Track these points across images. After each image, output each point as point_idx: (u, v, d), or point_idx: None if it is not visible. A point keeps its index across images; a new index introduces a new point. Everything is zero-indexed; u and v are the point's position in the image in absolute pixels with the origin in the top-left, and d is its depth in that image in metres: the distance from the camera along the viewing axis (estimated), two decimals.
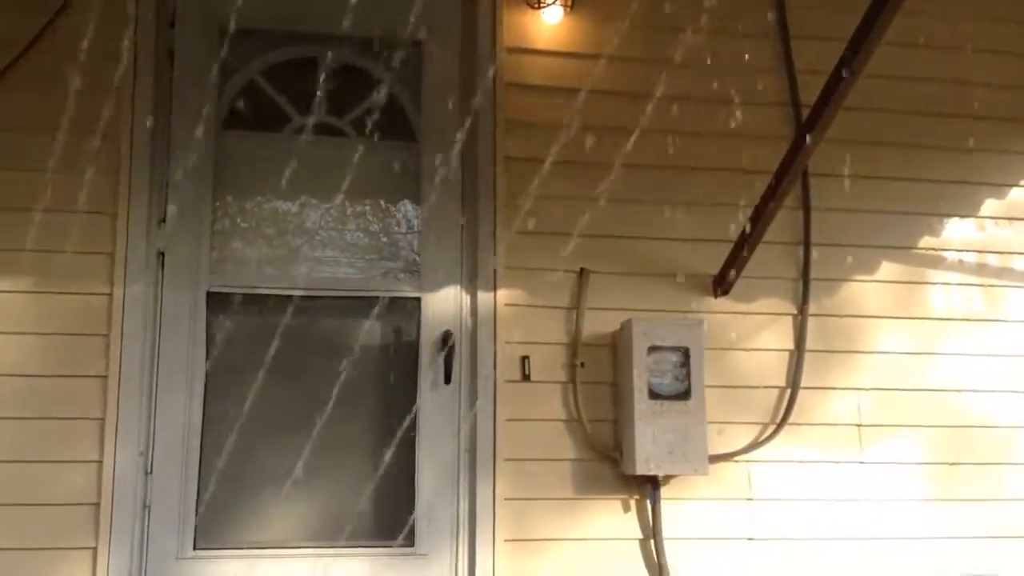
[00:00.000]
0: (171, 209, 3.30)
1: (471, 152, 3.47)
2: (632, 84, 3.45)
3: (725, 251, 3.42)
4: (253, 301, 3.28)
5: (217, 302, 3.29)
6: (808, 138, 3.05)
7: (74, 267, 3.15)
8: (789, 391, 3.47)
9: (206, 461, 3.20)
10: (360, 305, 3.40)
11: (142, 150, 3.26)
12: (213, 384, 3.24)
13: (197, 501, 3.18)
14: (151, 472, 3.15)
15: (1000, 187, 3.75)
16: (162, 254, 3.27)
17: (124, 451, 3.08)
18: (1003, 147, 3.76)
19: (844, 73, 2.85)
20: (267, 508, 3.25)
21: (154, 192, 3.27)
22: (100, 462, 3.06)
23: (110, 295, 3.15)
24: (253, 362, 3.17)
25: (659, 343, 3.27)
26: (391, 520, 3.26)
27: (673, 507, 3.31)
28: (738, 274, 3.42)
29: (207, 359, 3.25)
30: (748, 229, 3.31)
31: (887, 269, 3.63)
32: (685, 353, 3.27)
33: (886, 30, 2.79)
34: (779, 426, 3.43)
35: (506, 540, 3.23)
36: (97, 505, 3.04)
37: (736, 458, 3.39)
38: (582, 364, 3.36)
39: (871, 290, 3.61)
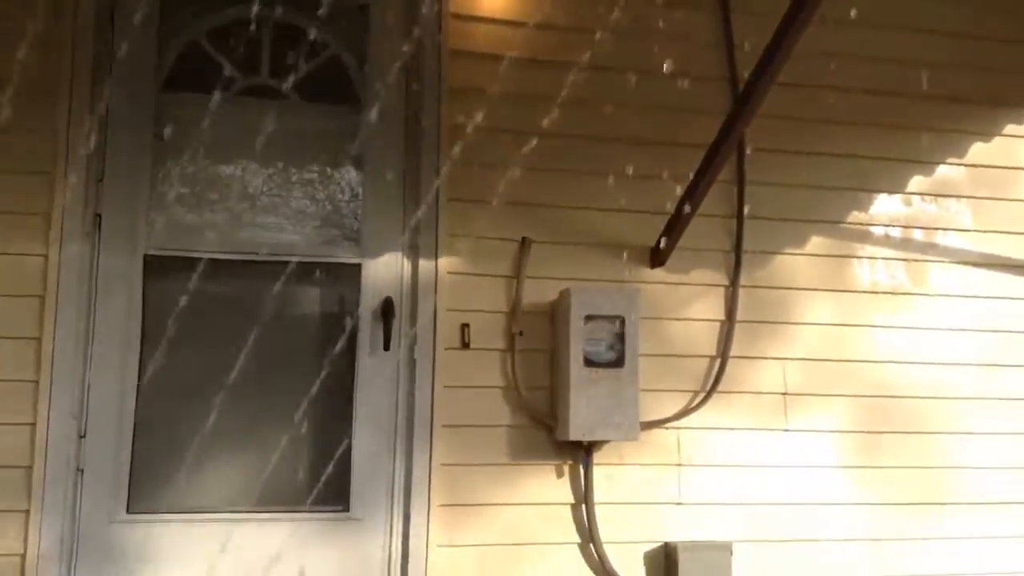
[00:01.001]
0: (109, 170, 3.26)
1: (415, 118, 3.48)
2: (576, 54, 3.43)
3: (661, 223, 3.48)
4: (191, 265, 3.24)
5: (155, 266, 3.27)
6: (744, 110, 3.12)
7: (9, 227, 3.11)
8: (719, 360, 3.56)
9: (140, 425, 3.20)
10: (300, 271, 3.37)
11: (80, 109, 3.21)
12: (149, 348, 3.22)
13: (131, 465, 3.17)
14: (84, 435, 3.13)
15: (927, 164, 3.86)
16: (99, 216, 3.24)
17: (57, 414, 3.07)
18: (931, 126, 3.86)
19: (783, 39, 2.90)
20: (202, 472, 3.25)
21: (93, 153, 3.23)
22: (33, 424, 3.04)
23: (46, 256, 3.12)
24: (190, 327, 3.16)
25: (595, 312, 3.33)
26: (327, 485, 3.27)
27: (605, 472, 3.39)
28: (673, 245, 3.49)
29: (143, 323, 3.24)
30: (684, 202, 3.37)
31: (816, 243, 3.73)
32: (621, 322, 3.34)
33: (819, 6, 2.84)
34: (708, 394, 3.53)
35: (441, 505, 3.28)
36: (30, 468, 3.03)
37: (667, 425, 3.48)
38: (520, 332, 3.41)
39: (801, 263, 3.70)
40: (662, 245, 3.49)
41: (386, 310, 3.36)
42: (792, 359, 3.63)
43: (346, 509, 3.30)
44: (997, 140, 3.94)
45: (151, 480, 3.20)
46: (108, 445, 3.15)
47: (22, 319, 3.08)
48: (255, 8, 3.43)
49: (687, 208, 3.36)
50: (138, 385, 3.21)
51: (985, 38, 3.91)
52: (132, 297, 3.24)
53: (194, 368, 3.23)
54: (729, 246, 3.64)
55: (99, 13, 3.30)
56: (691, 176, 3.34)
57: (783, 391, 3.60)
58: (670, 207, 3.44)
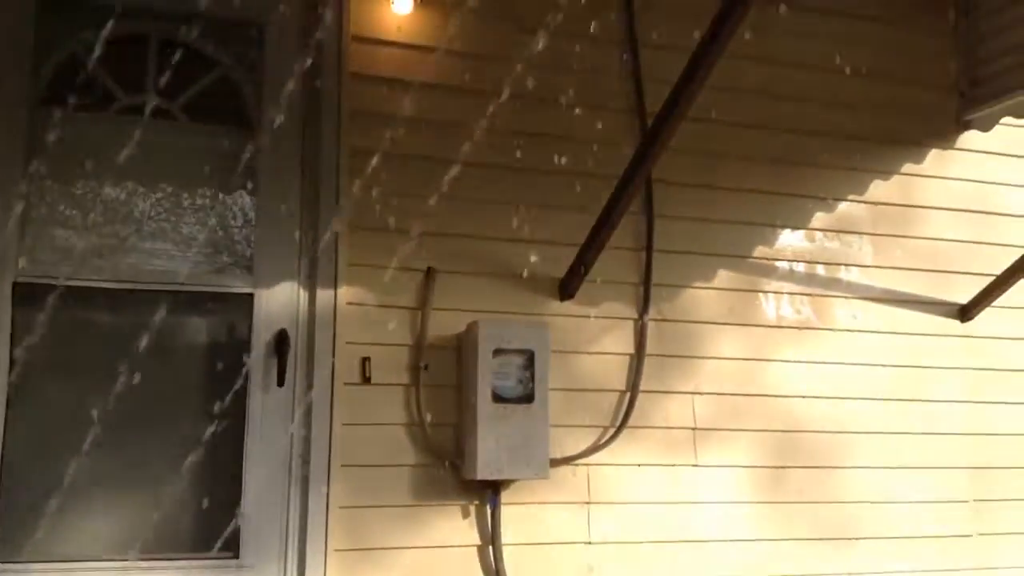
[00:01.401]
0: None
1: (313, 143, 3.33)
2: (481, 81, 3.39)
3: (571, 255, 3.41)
4: (68, 294, 3.01)
5: (26, 294, 3.00)
6: (653, 144, 3.08)
7: None
8: (628, 395, 3.49)
9: (9, 467, 2.92)
10: (188, 300, 3.18)
11: None
12: (18, 384, 2.95)
13: None
14: None
15: (828, 201, 3.90)
16: None
17: None
18: (834, 163, 3.91)
19: (692, 75, 2.88)
20: (78, 518, 2.99)
21: None
22: None
23: None
24: (65, 360, 2.92)
25: (504, 345, 3.21)
26: (215, 530, 3.05)
27: (513, 512, 3.26)
28: (583, 278, 3.41)
29: (11, 355, 2.96)
30: (593, 234, 3.30)
31: (724, 277, 3.71)
32: (530, 356, 3.24)
33: (728, 43, 2.83)
34: (618, 429, 3.45)
35: (338, 549, 3.09)
36: None
37: (576, 462, 3.38)
38: (426, 366, 3.27)
39: (709, 296, 3.68)
40: (572, 278, 3.40)
41: (280, 343, 3.17)
42: (701, 393, 3.58)
43: (236, 556, 3.07)
44: (896, 178, 4.01)
45: (21, 527, 2.91)
46: None
47: None
48: (145, 24, 3.26)
49: (596, 241, 3.30)
50: (4, 422, 2.92)
51: (885, 77, 4.00)
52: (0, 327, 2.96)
53: (69, 405, 2.98)
54: (638, 279, 3.59)
55: None
56: (600, 208, 3.28)
57: (692, 426, 3.55)
58: (579, 239, 3.36)
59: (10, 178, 3.05)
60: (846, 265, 3.88)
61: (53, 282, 3.01)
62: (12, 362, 2.95)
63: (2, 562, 2.88)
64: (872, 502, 3.71)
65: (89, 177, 3.17)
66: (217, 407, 3.08)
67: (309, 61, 3.34)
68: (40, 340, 2.89)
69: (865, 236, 3.93)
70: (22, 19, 3.10)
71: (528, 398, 3.21)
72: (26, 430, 2.92)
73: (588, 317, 3.50)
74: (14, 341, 2.97)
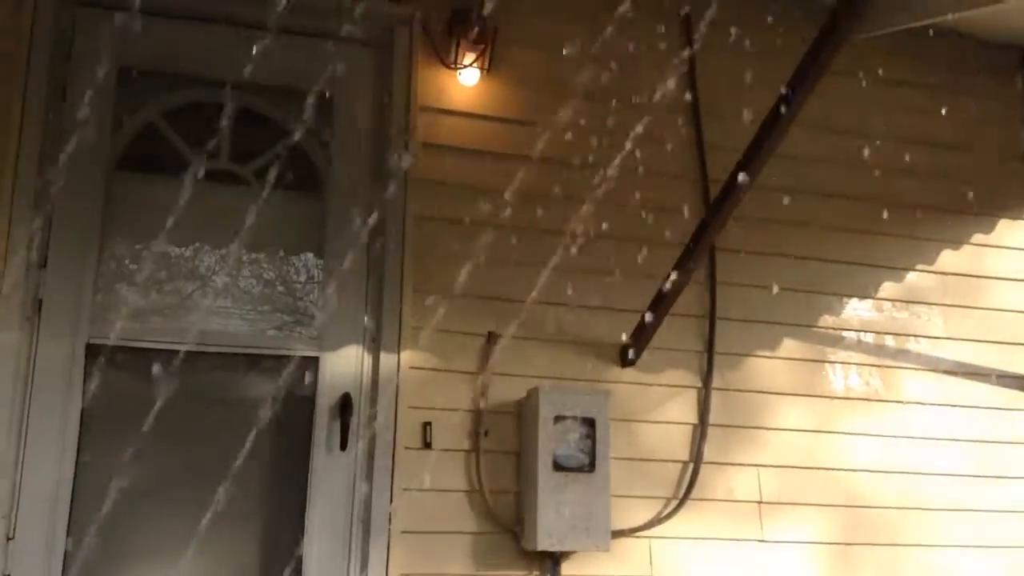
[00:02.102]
0: (53, 253, 3.08)
1: (380, 209, 3.37)
2: (545, 150, 3.40)
3: (632, 321, 3.39)
4: (138, 356, 3.07)
5: (98, 355, 3.06)
6: (719, 213, 3.07)
7: None
8: (692, 465, 3.43)
9: (75, 528, 2.95)
10: (254, 363, 3.22)
11: (26, 188, 3.04)
12: (87, 445, 3.00)
13: (63, 570, 2.91)
14: (13, 537, 2.88)
15: (898, 270, 3.85)
16: (40, 301, 3.04)
17: None
18: (902, 232, 3.86)
19: (760, 144, 2.87)
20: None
21: (36, 234, 3.05)
22: None
23: None
24: (133, 422, 2.95)
25: (565, 413, 3.19)
26: None
27: None
28: (645, 345, 3.39)
29: (82, 417, 3.02)
30: (656, 302, 3.28)
31: (788, 346, 3.66)
32: (591, 424, 3.20)
33: (797, 112, 2.82)
34: (681, 501, 3.38)
35: None
36: None
37: (638, 534, 3.32)
38: (486, 432, 3.25)
39: (773, 366, 3.62)
40: (634, 345, 3.38)
41: (344, 406, 3.19)
42: (767, 466, 3.51)
43: None
44: (966, 248, 3.95)
45: None
46: (38, 548, 2.89)
47: None
48: (218, 93, 3.35)
49: (659, 308, 3.28)
50: (73, 484, 2.97)
51: (951, 145, 3.96)
52: (71, 388, 3.02)
53: (135, 466, 3.00)
54: (701, 347, 3.55)
55: (50, 88, 3.15)
56: (662, 275, 3.26)
57: (758, 499, 3.47)
58: (640, 305, 3.34)
59: (88, 242, 3.14)
60: (915, 336, 3.81)
61: (124, 343, 3.07)
62: (82, 425, 3.00)
63: None
64: None
65: (162, 241, 3.24)
66: (281, 470, 3.10)
67: (379, 130, 3.42)
68: (110, 403, 2.94)
69: (935, 307, 3.86)
70: (103, 87, 3.21)
71: (589, 467, 3.16)
72: (93, 494, 2.95)
73: (650, 385, 3.46)
74: (85, 404, 3.02)
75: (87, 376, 3.04)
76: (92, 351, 3.06)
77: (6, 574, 2.85)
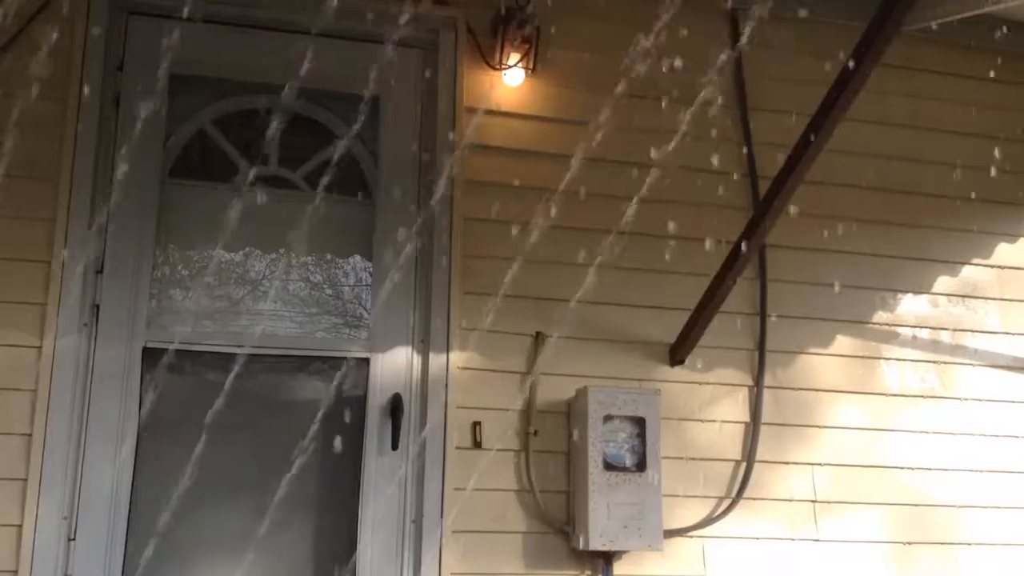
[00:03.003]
0: (110, 259, 3.14)
1: (427, 210, 3.39)
2: (591, 149, 3.39)
3: (681, 319, 3.37)
4: (192, 358, 3.13)
5: (154, 358, 3.12)
6: (770, 209, 3.04)
7: (4, 317, 2.97)
8: (744, 464, 3.40)
9: (134, 528, 3.01)
10: (306, 364, 3.26)
11: (82, 196, 3.11)
12: (145, 446, 3.05)
13: (123, 570, 2.97)
14: (74, 538, 2.94)
15: (953, 264, 3.78)
16: (97, 306, 3.11)
17: (46, 515, 2.88)
18: (956, 225, 3.79)
19: (810, 139, 2.84)
20: (197, 574, 3.05)
21: (91, 241, 3.11)
22: (20, 526, 2.85)
23: (39, 348, 2.97)
24: (189, 423, 3.00)
25: (615, 412, 3.18)
26: None
27: None
28: (694, 344, 3.36)
29: (139, 419, 3.07)
30: (705, 299, 3.26)
31: (841, 343, 3.61)
32: (641, 423, 3.19)
33: (848, 107, 2.79)
34: (734, 501, 3.35)
35: None
36: (15, 573, 2.82)
37: (691, 533, 3.30)
38: (535, 432, 3.25)
39: (826, 363, 3.58)
40: (684, 343, 3.35)
41: (395, 407, 3.21)
42: (821, 464, 3.46)
43: None
44: (1022, 241, 3.86)
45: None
46: (99, 549, 2.95)
47: (12, 414, 2.92)
48: (266, 99, 3.39)
49: (709, 305, 3.25)
50: (132, 485, 3.02)
51: (1009, 139, 3.87)
52: (129, 391, 3.08)
53: (191, 467, 3.05)
54: (752, 344, 3.51)
55: (103, 98, 3.22)
56: (711, 272, 3.24)
57: (812, 498, 3.43)
58: (689, 303, 3.32)
59: (143, 248, 3.20)
60: (972, 331, 3.74)
61: (179, 347, 3.12)
62: (139, 427, 3.06)
63: None
64: None
65: (214, 245, 3.29)
66: (333, 470, 3.13)
67: (426, 132, 3.44)
68: (166, 405, 2.99)
69: (991, 301, 3.78)
70: (156, 96, 3.27)
71: (640, 466, 3.15)
72: (151, 492, 3.01)
73: (700, 384, 3.44)
74: (142, 406, 3.07)
75: (144, 379, 3.10)
76: (148, 355, 3.12)
77: (68, 574, 2.90)
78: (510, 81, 3.53)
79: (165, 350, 3.12)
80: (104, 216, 3.15)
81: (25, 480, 2.88)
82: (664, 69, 3.41)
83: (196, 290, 3.28)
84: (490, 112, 3.50)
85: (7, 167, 2.98)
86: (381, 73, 3.44)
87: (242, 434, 3.14)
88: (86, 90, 3.18)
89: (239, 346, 3.18)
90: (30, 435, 2.91)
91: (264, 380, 3.22)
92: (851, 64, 2.70)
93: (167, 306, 3.24)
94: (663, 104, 3.41)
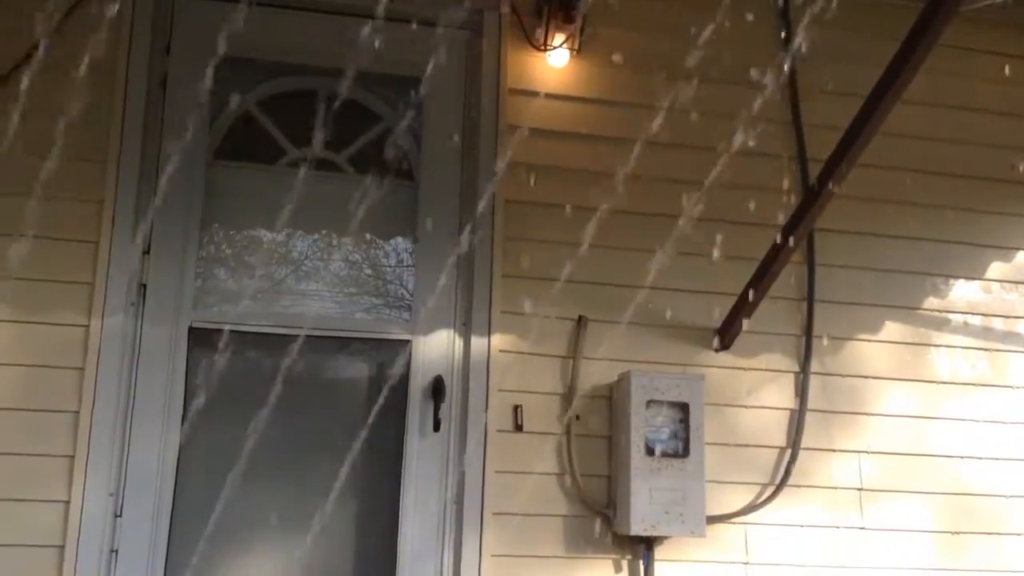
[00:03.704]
0: (156, 240, 3.17)
1: (470, 193, 3.37)
2: (637, 130, 3.34)
3: (726, 304, 3.33)
4: (238, 339, 3.14)
5: (200, 337, 3.15)
6: (821, 193, 2.98)
7: (52, 296, 3.01)
8: (789, 451, 3.35)
9: (179, 505, 3.05)
10: (349, 346, 3.28)
11: (129, 177, 3.14)
12: (190, 424, 3.09)
13: (168, 547, 3.01)
14: (121, 515, 2.98)
15: (1007, 250, 3.69)
16: (144, 286, 3.14)
17: (93, 491, 2.92)
18: (1010, 210, 3.70)
19: (864, 123, 2.78)
20: (243, 556, 3.09)
21: (139, 221, 3.14)
22: (67, 502, 2.90)
23: (87, 327, 3.01)
24: (234, 402, 3.03)
25: (658, 397, 3.15)
26: (373, 572, 3.11)
27: (667, 569, 3.17)
28: (740, 328, 3.32)
29: (185, 397, 3.11)
30: (752, 284, 3.22)
31: (891, 329, 3.54)
32: (684, 409, 3.16)
33: (903, 90, 2.73)
34: (779, 487, 3.31)
35: None
36: (62, 548, 2.87)
37: (733, 520, 3.27)
38: (577, 416, 3.24)
39: (874, 350, 3.51)
40: (729, 328, 3.31)
41: (437, 389, 3.21)
42: (868, 452, 3.41)
43: None
44: None
45: (188, 564, 3.01)
46: (144, 525, 3.00)
47: (60, 391, 2.96)
48: (310, 80, 3.40)
49: (756, 290, 3.20)
50: (178, 463, 3.06)
51: None
52: (175, 370, 3.12)
53: (236, 446, 3.08)
54: (798, 330, 3.46)
55: (150, 80, 3.25)
56: (757, 256, 3.19)
57: (858, 486, 3.38)
58: (735, 288, 3.28)
59: (189, 229, 3.22)
60: None
61: (225, 326, 3.15)
62: (185, 405, 3.09)
63: None
64: None
65: (259, 227, 3.32)
66: (376, 451, 3.15)
67: (469, 114, 3.43)
68: (211, 384, 3.02)
69: None
70: (202, 78, 3.28)
71: (683, 452, 3.12)
72: (196, 472, 3.05)
73: (746, 369, 3.40)
74: (188, 385, 3.11)
75: (189, 358, 3.13)
76: (194, 334, 3.15)
77: (114, 550, 2.95)
78: (555, 62, 3.50)
79: (211, 330, 3.15)
80: (151, 197, 3.18)
81: (72, 457, 2.93)
82: (711, 49, 3.35)
83: (242, 272, 3.30)
84: (534, 94, 3.47)
85: (59, 153, 3.03)
86: (425, 55, 3.42)
87: (286, 414, 3.16)
88: (134, 72, 3.21)
89: (286, 327, 3.21)
90: (77, 412, 2.96)
91: (308, 361, 3.23)
92: (907, 45, 2.63)
93: (212, 286, 3.26)
94: (710, 85, 3.35)
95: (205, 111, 3.31)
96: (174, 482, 3.05)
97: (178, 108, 3.26)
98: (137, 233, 3.14)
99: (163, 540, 3.01)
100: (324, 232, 3.37)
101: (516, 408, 3.23)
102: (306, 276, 3.35)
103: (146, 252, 3.16)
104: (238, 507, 3.07)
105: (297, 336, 3.18)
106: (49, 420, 2.95)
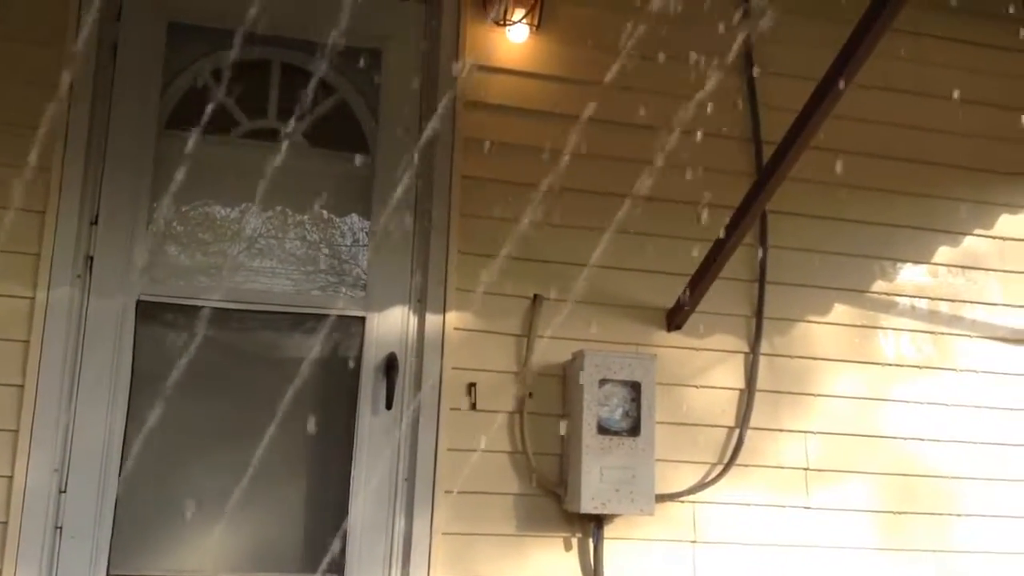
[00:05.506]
0: (104, 211, 3.11)
1: (426, 169, 3.35)
2: (594, 109, 3.35)
3: (679, 284, 3.34)
4: (187, 313, 3.10)
5: (147, 311, 3.10)
6: (773, 175, 3.00)
7: None
8: (738, 431, 3.39)
9: (125, 481, 3.00)
10: (300, 321, 3.24)
11: (77, 147, 3.07)
12: (137, 399, 3.04)
13: (113, 523, 2.97)
14: (65, 490, 2.93)
15: (954, 235, 3.75)
16: (91, 258, 3.08)
17: (37, 467, 2.87)
18: (958, 195, 3.75)
19: (817, 105, 2.79)
20: (188, 533, 3.06)
21: (87, 192, 3.08)
22: (10, 477, 2.85)
23: (33, 299, 2.95)
24: (182, 377, 2.99)
25: (610, 376, 3.17)
26: (321, 549, 3.09)
27: (616, 547, 3.20)
28: (692, 309, 3.35)
29: (132, 372, 3.06)
30: (705, 265, 3.24)
31: (839, 311, 3.59)
32: (636, 388, 3.18)
33: (856, 72, 2.74)
34: (726, 467, 3.35)
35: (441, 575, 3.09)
36: (5, 524, 2.83)
37: (682, 498, 3.30)
38: (530, 394, 3.25)
39: (824, 331, 3.56)
40: (681, 308, 3.34)
41: (390, 366, 3.20)
42: (815, 432, 3.46)
43: (341, 575, 3.09)
44: None
45: (134, 540, 3.00)
46: (90, 501, 2.95)
47: (4, 365, 2.90)
48: (265, 50, 3.34)
49: (708, 271, 3.23)
50: (124, 438, 3.01)
51: (1015, 109, 3.81)
52: (122, 344, 3.06)
53: (183, 421, 3.05)
54: (749, 311, 3.49)
55: (100, 48, 3.17)
56: (710, 238, 3.21)
57: (805, 466, 3.43)
58: (688, 268, 3.30)
59: (138, 201, 3.16)
60: (971, 302, 3.71)
61: (173, 301, 3.11)
62: (132, 380, 3.05)
63: (116, 574, 2.96)
64: (995, 552, 3.52)
65: (209, 199, 3.26)
66: (327, 428, 3.13)
67: (426, 89, 3.39)
68: (159, 358, 2.98)
69: (992, 272, 3.75)
70: (152, 46, 3.22)
71: (634, 431, 3.15)
72: (143, 447, 2.99)
73: (697, 349, 3.42)
74: (135, 359, 3.06)
75: (137, 332, 3.08)
76: (143, 308, 3.10)
77: (59, 526, 2.91)
78: (514, 38, 3.47)
79: (160, 304, 3.11)
80: (100, 166, 3.12)
81: (16, 431, 2.87)
82: (671, 29, 3.35)
83: (192, 244, 3.25)
84: (493, 69, 3.45)
85: (3, 121, 2.95)
86: (382, 27, 3.39)
87: (235, 390, 3.14)
88: (82, 39, 3.13)
89: (236, 301, 3.17)
90: (22, 386, 2.90)
91: (258, 336, 3.20)
92: (861, 28, 2.65)
93: (162, 260, 3.21)
94: (669, 65, 3.36)
95: (156, 79, 3.24)
96: (120, 458, 3.01)
97: (128, 76, 3.19)
98: (84, 203, 3.07)
99: (108, 516, 2.96)
100: (277, 207, 3.33)
101: (470, 386, 3.23)
102: (259, 252, 3.30)
103: (94, 223, 3.10)
104: (185, 484, 3.04)
105: (248, 312, 3.15)
106: None
